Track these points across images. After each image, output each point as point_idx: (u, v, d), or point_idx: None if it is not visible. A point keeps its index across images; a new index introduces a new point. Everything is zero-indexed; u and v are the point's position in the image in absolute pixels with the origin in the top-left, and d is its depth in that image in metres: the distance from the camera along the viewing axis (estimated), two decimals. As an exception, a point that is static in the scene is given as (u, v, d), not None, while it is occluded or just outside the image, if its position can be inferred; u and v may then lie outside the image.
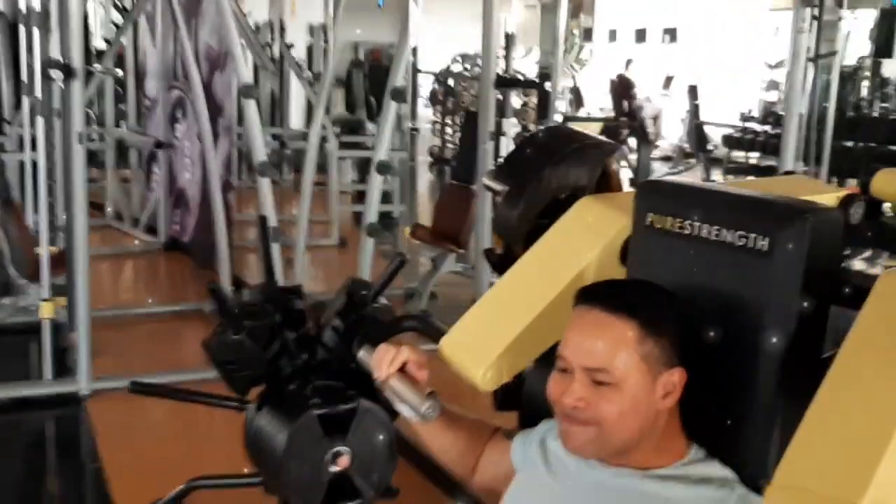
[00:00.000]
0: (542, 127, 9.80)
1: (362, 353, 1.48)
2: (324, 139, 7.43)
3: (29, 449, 3.90)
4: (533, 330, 1.47)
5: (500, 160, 6.79)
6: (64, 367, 4.27)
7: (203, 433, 3.80)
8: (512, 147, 7.06)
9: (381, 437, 2.67)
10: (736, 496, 1.23)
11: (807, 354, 1.24)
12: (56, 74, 3.77)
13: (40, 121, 4.03)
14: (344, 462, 2.58)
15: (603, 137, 1.73)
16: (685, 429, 1.29)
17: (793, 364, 1.23)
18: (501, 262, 1.65)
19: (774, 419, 1.24)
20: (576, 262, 1.47)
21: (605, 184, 1.65)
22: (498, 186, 1.73)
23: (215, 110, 5.99)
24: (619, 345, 1.20)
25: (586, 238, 1.49)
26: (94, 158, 9.37)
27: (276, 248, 3.93)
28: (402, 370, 1.41)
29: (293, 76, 9.64)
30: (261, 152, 4.08)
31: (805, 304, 1.22)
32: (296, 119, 11.53)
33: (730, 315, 1.22)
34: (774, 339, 1.23)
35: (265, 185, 4.05)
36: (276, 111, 10.78)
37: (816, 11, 6.74)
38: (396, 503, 3.39)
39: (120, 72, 8.09)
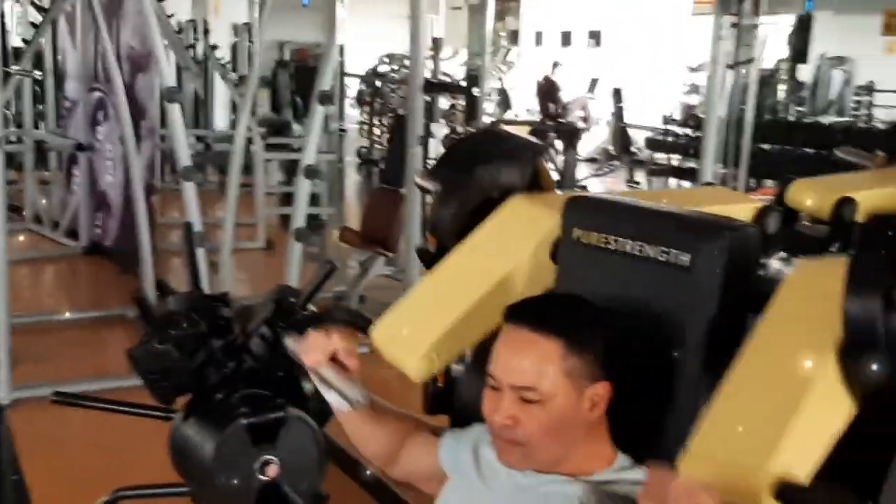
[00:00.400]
0: (471, 129, 9.85)
1: (290, 342, 1.46)
2: (249, 141, 7.35)
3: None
4: (465, 322, 1.49)
5: (431, 163, 6.81)
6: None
7: (129, 443, 3.74)
8: (440, 150, 7.10)
9: (310, 444, 2.67)
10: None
11: (727, 361, 1.28)
12: (-28, 78, 3.67)
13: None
14: (273, 471, 2.57)
15: (533, 138, 1.76)
16: (613, 437, 1.33)
17: (714, 371, 1.27)
18: (434, 261, 1.68)
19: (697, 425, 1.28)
20: (509, 258, 1.51)
21: (536, 183, 1.69)
22: (431, 185, 1.76)
23: (138, 112, 5.89)
24: (544, 363, 1.23)
25: (519, 235, 1.53)
26: (12, 160, 9.15)
27: (201, 254, 3.88)
28: (333, 358, 1.40)
29: (217, 77, 9.52)
30: (185, 157, 4.03)
31: (724, 314, 1.27)
32: (220, 120, 11.38)
33: (654, 326, 1.26)
34: (695, 349, 1.27)
35: (190, 189, 4.01)
36: (200, 112, 10.64)
37: (736, 19, 6.93)
38: (327, 510, 3.38)
39: (38, 73, 7.88)
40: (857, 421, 1.14)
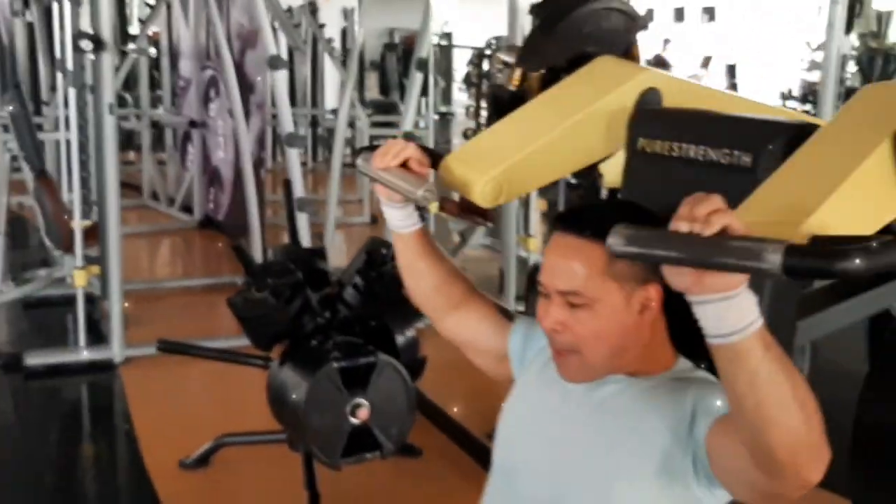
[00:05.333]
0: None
1: (360, 161, 1.42)
2: (355, 119, 7.47)
3: (65, 412, 4.00)
4: (538, 155, 1.45)
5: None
6: (101, 336, 4.37)
7: (231, 394, 3.88)
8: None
9: (399, 390, 2.72)
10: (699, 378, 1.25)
11: None
12: (86, 45, 3.83)
13: (72, 93, 4.10)
14: (363, 414, 2.64)
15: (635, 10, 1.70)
16: (675, 343, 1.30)
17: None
18: (511, 102, 1.63)
19: None
20: (591, 98, 1.47)
21: (628, 56, 1.64)
22: (510, 58, 1.75)
23: (247, 88, 6.06)
24: (589, 267, 1.21)
25: (604, 83, 1.49)
26: (131, 142, 9.55)
27: (303, 217, 3.97)
28: (405, 166, 1.37)
29: (328, 58, 9.69)
30: (288, 123, 4.12)
31: None
32: (331, 101, 11.58)
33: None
34: None
35: (293, 155, 4.10)
36: (313, 92, 10.84)
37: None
38: (420, 463, 3.45)
39: (153, 50, 8.15)
40: None
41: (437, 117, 7.46)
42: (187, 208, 7.52)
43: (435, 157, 1.45)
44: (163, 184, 8.07)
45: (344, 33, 11.67)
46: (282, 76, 4.01)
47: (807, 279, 0.92)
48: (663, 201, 1.33)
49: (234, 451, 3.23)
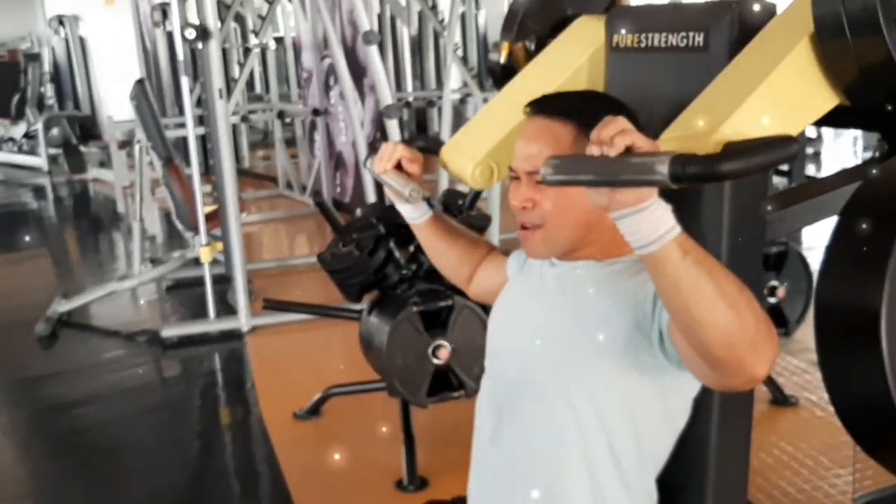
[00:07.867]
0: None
1: (369, 162, 1.58)
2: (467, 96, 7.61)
3: (196, 375, 4.38)
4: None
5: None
6: (231, 310, 4.69)
7: (342, 353, 4.11)
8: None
9: (478, 331, 2.85)
10: None
11: None
12: (189, 33, 4.09)
13: (185, 81, 4.39)
14: (445, 355, 2.78)
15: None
16: None
17: None
18: (503, 73, 1.73)
19: None
20: (565, 69, 1.55)
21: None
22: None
23: (360, 71, 6.29)
24: (556, 145, 1.28)
25: (580, 46, 1.57)
26: (267, 138, 9.98)
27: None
28: (399, 168, 1.52)
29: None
30: (387, 96, 4.30)
31: None
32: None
33: (675, 109, 1.29)
34: None
35: (393, 125, 4.27)
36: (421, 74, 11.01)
37: None
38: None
39: (273, 44, 8.49)
40: None
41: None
42: (317, 194, 7.83)
43: (432, 148, 1.61)
44: (295, 173, 8.44)
45: (463, 18, 11.78)
46: (374, 50, 4.18)
47: (694, 185, 0.97)
48: (639, 92, 1.41)
49: (341, 402, 3.44)
